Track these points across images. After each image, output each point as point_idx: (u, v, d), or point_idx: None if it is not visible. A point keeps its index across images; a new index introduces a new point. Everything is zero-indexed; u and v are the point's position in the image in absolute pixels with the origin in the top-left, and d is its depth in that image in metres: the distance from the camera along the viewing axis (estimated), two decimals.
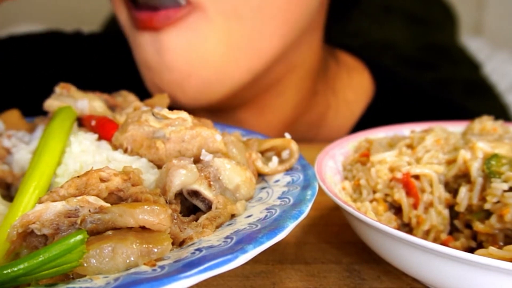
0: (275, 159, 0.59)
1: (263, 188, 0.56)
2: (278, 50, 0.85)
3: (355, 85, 1.08)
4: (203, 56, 0.81)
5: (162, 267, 0.39)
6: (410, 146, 0.66)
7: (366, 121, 1.03)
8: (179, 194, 0.51)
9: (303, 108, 1.00)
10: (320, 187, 0.56)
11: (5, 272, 0.38)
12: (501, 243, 0.53)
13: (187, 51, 0.80)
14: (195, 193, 0.51)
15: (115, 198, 0.47)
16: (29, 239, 0.43)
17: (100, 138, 0.58)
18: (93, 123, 0.60)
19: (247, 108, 0.95)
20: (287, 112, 0.99)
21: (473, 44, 1.88)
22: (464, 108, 1.11)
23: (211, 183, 0.52)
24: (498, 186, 0.54)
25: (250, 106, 0.95)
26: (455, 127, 0.74)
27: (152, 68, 0.83)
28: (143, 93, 0.75)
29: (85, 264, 0.40)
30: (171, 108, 0.59)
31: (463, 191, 0.57)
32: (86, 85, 0.72)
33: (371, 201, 0.62)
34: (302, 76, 0.96)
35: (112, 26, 1.70)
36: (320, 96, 1.03)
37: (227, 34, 0.80)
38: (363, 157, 0.67)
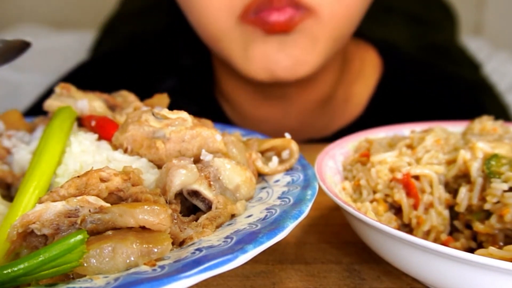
0: (275, 159, 0.59)
1: (263, 188, 0.56)
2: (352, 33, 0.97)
3: (369, 62, 1.17)
4: (314, 52, 0.89)
5: (162, 267, 0.39)
6: (410, 146, 0.66)
7: (380, 94, 1.12)
8: (179, 194, 0.51)
9: (335, 84, 1.10)
10: (320, 187, 0.56)
11: (5, 272, 0.38)
12: (501, 243, 0.53)
13: (304, 49, 0.88)
14: (195, 193, 0.51)
15: (115, 198, 0.47)
16: (29, 239, 0.43)
17: (100, 138, 0.58)
18: (93, 123, 0.60)
19: (291, 83, 1.01)
20: (324, 89, 1.08)
21: (473, 44, 1.88)
22: (460, 77, 1.19)
23: (211, 183, 0.52)
24: (498, 186, 0.54)
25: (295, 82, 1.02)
26: (455, 127, 0.75)
27: (270, 58, 0.89)
28: (143, 93, 0.75)
29: (85, 264, 0.40)
30: (173, 106, 0.59)
31: (463, 191, 0.57)
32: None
33: (371, 201, 0.62)
34: (335, 57, 1.05)
35: (112, 26, 1.70)
36: (345, 75, 1.12)
37: (334, 33, 0.89)
38: (363, 157, 0.67)
